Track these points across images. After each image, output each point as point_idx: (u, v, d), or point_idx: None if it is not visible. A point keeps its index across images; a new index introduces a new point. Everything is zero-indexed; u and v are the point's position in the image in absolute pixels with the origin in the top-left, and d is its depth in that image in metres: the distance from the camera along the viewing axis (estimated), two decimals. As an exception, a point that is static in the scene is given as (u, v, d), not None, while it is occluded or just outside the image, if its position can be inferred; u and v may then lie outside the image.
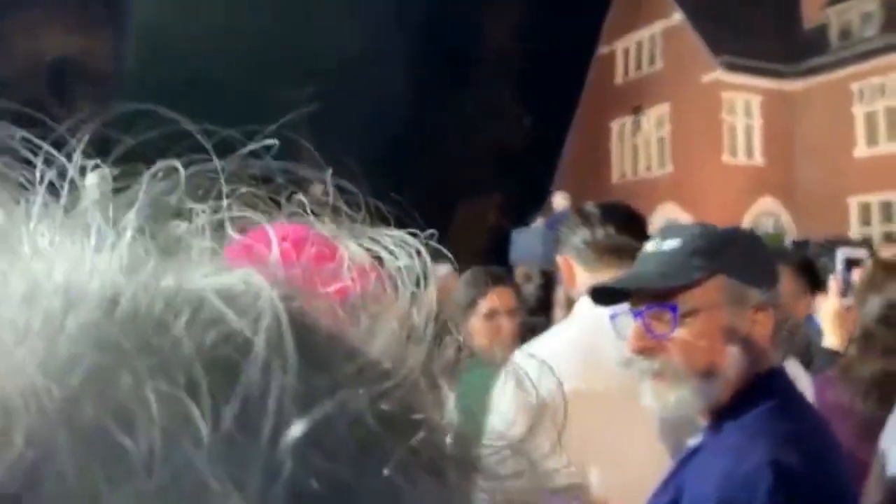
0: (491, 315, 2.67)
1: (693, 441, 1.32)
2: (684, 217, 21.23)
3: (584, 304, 1.63)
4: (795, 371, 1.66)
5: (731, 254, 1.30)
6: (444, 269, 4.71)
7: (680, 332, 1.25)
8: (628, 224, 1.74)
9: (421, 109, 27.67)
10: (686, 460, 1.28)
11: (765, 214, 21.25)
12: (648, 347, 1.28)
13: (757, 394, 1.24)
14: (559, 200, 12.39)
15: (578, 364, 1.50)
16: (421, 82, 27.35)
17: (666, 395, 1.26)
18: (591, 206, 1.80)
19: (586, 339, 1.57)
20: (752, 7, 22.47)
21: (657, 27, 22.24)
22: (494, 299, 2.69)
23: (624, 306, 1.33)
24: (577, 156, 25.47)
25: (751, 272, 1.30)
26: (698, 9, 21.36)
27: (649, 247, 1.36)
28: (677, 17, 21.39)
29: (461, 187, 28.05)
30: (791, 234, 20.41)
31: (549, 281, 3.87)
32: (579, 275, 1.74)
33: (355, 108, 25.06)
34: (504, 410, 1.29)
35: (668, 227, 1.41)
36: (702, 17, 21.17)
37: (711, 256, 1.28)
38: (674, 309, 1.26)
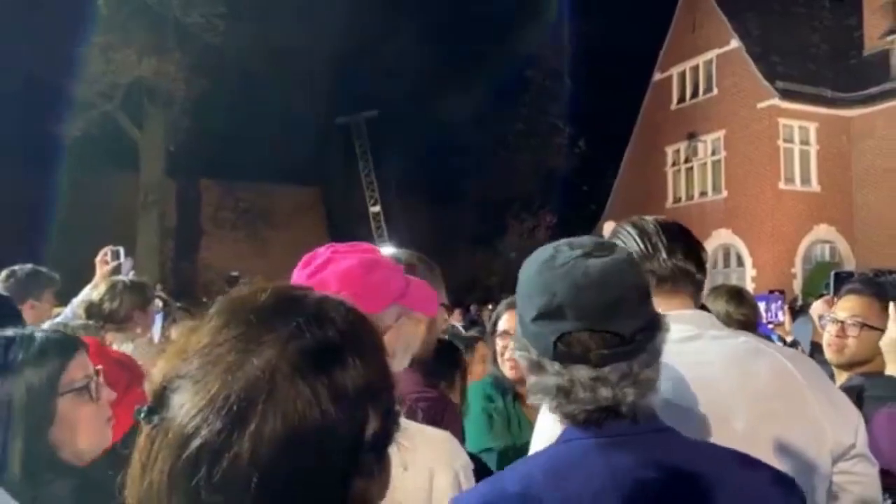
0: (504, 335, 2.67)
1: None
2: (738, 242, 21.18)
3: None
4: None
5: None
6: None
7: None
8: (689, 251, 1.60)
9: (475, 129, 28.12)
10: None
11: (821, 241, 20.99)
12: None
13: None
14: (609, 229, 12.54)
15: None
16: (475, 103, 27.79)
17: None
18: (651, 227, 1.62)
19: None
20: (810, 35, 22.41)
21: (713, 54, 22.28)
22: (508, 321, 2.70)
23: None
24: (631, 179, 25.52)
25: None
26: (754, 36, 21.39)
27: None
28: (734, 43, 21.42)
29: (512, 206, 28.39)
30: (849, 263, 20.14)
31: None
32: None
33: (412, 127, 25.61)
34: (545, 431, 1.48)
35: None
36: (758, 45, 21.17)
37: None
38: None
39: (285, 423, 0.66)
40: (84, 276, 4.43)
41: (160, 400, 0.69)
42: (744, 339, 1.53)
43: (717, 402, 1.41)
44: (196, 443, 0.65)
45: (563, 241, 1.20)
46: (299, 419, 0.66)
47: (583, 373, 1.09)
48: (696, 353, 1.47)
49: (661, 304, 1.50)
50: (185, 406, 0.67)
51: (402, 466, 0.86)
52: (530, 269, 1.18)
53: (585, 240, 1.20)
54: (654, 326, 1.13)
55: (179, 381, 0.69)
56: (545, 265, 1.16)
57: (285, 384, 0.67)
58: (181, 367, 0.70)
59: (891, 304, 2.19)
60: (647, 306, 1.14)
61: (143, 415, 0.70)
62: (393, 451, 0.76)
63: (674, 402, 1.40)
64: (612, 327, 1.09)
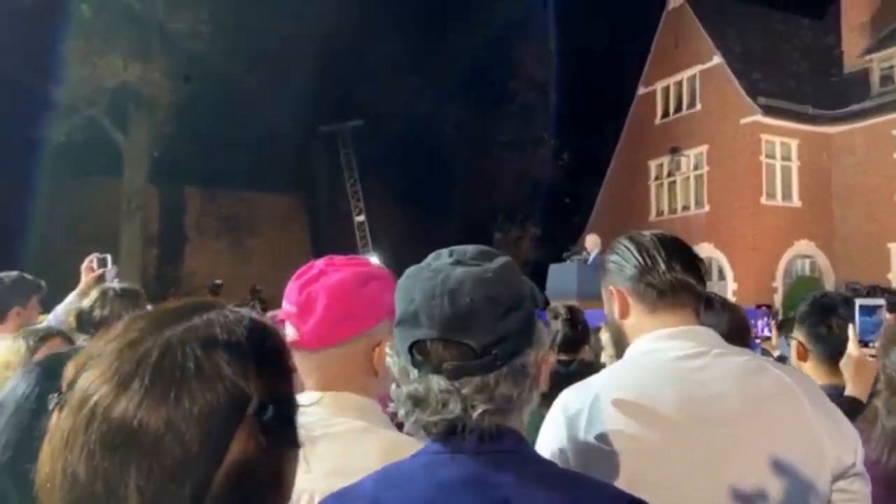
0: None
1: None
2: (720, 256, 21.34)
3: (640, 346, 1.57)
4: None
5: None
6: None
7: None
8: (688, 263, 1.60)
9: (460, 139, 28.17)
10: None
11: (801, 256, 21.21)
12: None
13: None
14: (591, 241, 12.51)
15: (633, 408, 1.43)
16: (461, 113, 27.84)
17: None
18: (648, 240, 1.63)
19: (643, 382, 1.48)
20: (791, 52, 22.74)
21: (696, 70, 22.52)
22: None
23: None
24: (615, 192, 25.69)
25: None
26: (736, 53, 21.67)
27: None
28: (716, 59, 21.66)
29: (497, 217, 28.46)
30: (829, 278, 20.36)
31: (574, 318, 3.81)
32: (636, 314, 1.61)
33: (397, 137, 25.63)
34: (545, 445, 1.50)
35: None
36: (739, 61, 21.44)
37: None
38: None
39: (169, 386, 0.73)
40: (67, 282, 4.37)
41: (71, 385, 0.76)
42: (747, 357, 1.54)
43: (725, 420, 1.42)
44: (91, 402, 0.72)
45: (450, 248, 1.17)
46: (188, 386, 0.73)
47: (437, 384, 1.04)
48: (700, 370, 1.48)
49: (663, 318, 1.56)
50: (88, 379, 0.74)
51: (305, 469, 0.89)
52: (406, 273, 1.14)
53: (469, 248, 1.16)
54: (518, 342, 1.07)
55: (88, 363, 0.76)
56: (416, 270, 1.12)
57: (174, 354, 0.74)
58: (92, 353, 0.77)
59: (849, 325, 2.19)
60: (508, 321, 1.06)
61: (55, 402, 0.77)
62: (300, 455, 0.84)
63: (681, 419, 1.41)
64: (463, 338, 1.04)
